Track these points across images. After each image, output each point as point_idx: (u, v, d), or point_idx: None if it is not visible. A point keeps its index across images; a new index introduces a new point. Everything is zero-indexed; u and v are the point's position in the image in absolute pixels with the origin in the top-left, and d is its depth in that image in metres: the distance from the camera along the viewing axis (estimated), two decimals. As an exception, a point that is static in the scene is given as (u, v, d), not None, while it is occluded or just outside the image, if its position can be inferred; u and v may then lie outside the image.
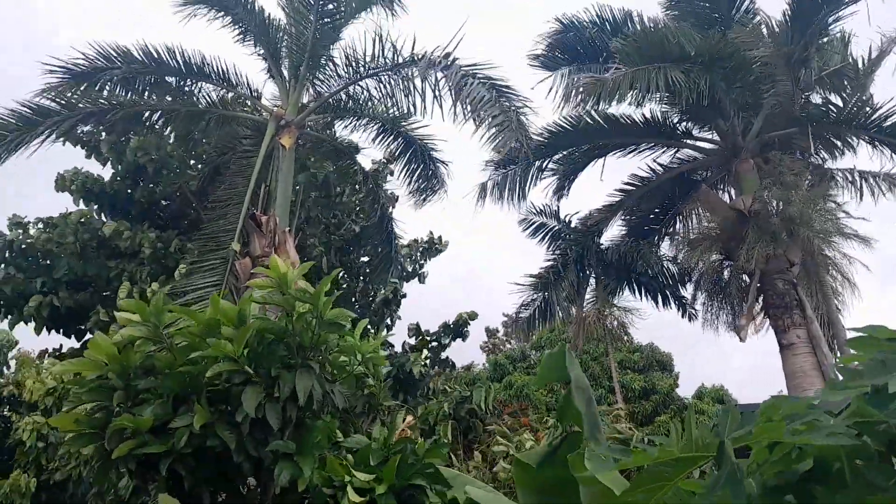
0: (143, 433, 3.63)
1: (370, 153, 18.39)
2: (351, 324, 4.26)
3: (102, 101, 12.92)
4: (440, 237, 17.85)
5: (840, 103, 14.92)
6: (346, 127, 15.57)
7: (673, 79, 13.18)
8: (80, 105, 12.70)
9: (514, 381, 28.07)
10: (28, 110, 12.23)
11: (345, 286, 16.24)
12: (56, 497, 9.02)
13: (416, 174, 15.51)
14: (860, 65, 14.69)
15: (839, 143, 15.63)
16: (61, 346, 13.78)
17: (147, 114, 13.57)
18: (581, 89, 13.83)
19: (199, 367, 3.68)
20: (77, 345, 13.37)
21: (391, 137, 15.35)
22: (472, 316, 16.20)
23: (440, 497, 4.00)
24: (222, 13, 14.64)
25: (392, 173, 16.48)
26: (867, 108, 14.37)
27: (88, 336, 12.94)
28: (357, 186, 16.33)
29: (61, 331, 13.32)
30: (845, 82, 14.80)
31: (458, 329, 15.96)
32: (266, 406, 3.54)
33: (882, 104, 14.22)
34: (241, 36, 14.83)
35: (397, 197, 16.50)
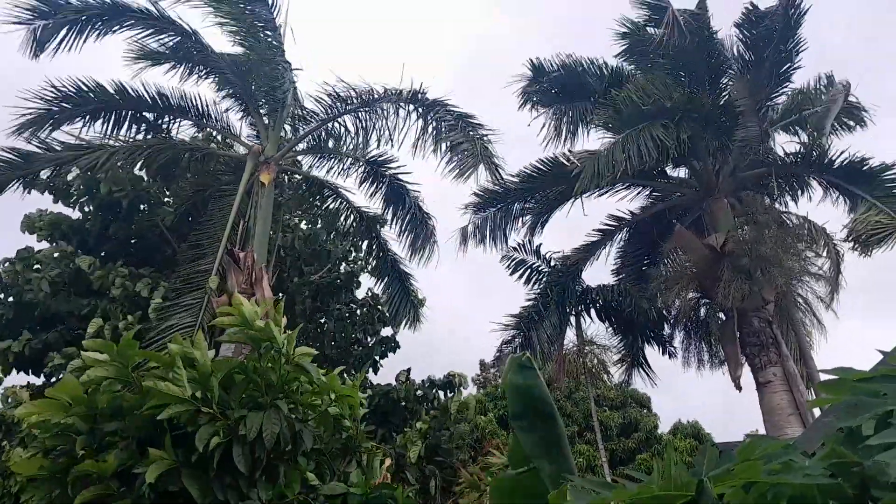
0: (107, 479, 3.51)
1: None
2: (315, 362, 4.18)
3: (78, 140, 12.89)
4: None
5: (798, 148, 15.52)
6: (331, 170, 15.60)
7: (656, 137, 13.59)
8: (52, 149, 12.63)
9: (478, 422, 27.61)
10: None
11: (322, 328, 16.02)
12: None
13: (405, 222, 15.53)
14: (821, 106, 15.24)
15: (800, 186, 16.12)
16: (29, 384, 13.38)
17: (123, 151, 13.45)
18: (578, 166, 14.06)
19: (164, 409, 3.57)
20: (41, 382, 12.99)
21: (374, 181, 15.39)
22: (464, 382, 15.99)
23: None
24: (183, 64, 14.07)
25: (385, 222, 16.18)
26: (818, 152, 14.91)
27: (60, 376, 12.59)
28: (347, 225, 16.20)
29: (30, 371, 12.96)
30: (808, 127, 15.33)
31: (447, 386, 15.78)
32: (233, 448, 3.42)
33: (831, 148, 14.91)
34: (208, 79, 14.44)
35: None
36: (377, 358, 16.79)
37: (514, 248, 18.20)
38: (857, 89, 15.22)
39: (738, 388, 14.19)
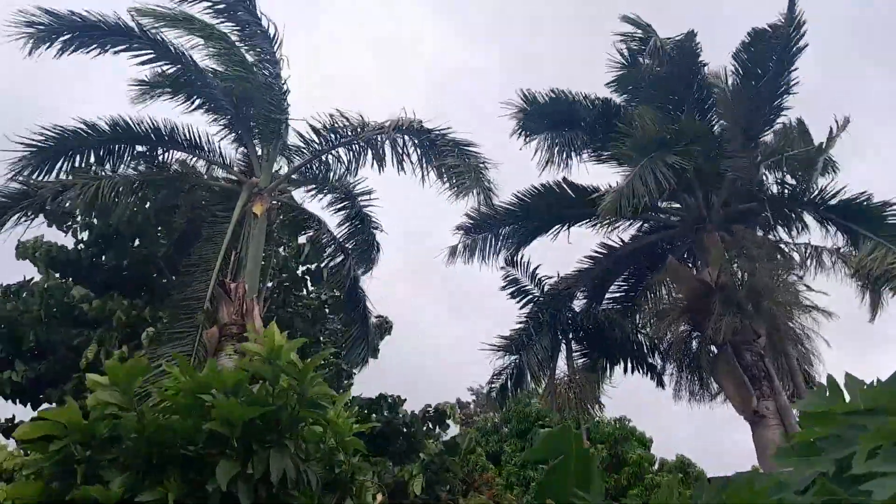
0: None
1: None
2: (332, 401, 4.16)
3: (77, 175, 12.90)
4: (387, 319, 17.81)
5: (794, 183, 15.72)
6: (307, 192, 15.81)
7: (671, 165, 13.90)
8: (50, 184, 12.63)
9: (471, 458, 27.60)
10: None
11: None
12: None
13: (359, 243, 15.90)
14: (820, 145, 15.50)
15: (794, 220, 16.28)
16: (14, 416, 13.24)
17: (124, 183, 13.43)
18: (607, 204, 13.97)
19: (177, 432, 3.53)
20: (31, 418, 12.86)
21: (344, 208, 15.69)
22: (453, 409, 16.08)
23: None
24: (181, 94, 14.11)
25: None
26: (814, 188, 15.11)
27: (45, 406, 12.48)
28: (326, 253, 16.25)
29: (18, 401, 12.84)
30: (796, 164, 15.54)
31: (437, 419, 15.75)
32: (239, 484, 3.38)
33: (827, 185, 15.17)
34: (204, 110, 14.41)
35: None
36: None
37: (510, 263, 18.38)
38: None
39: (757, 417, 13.58)
